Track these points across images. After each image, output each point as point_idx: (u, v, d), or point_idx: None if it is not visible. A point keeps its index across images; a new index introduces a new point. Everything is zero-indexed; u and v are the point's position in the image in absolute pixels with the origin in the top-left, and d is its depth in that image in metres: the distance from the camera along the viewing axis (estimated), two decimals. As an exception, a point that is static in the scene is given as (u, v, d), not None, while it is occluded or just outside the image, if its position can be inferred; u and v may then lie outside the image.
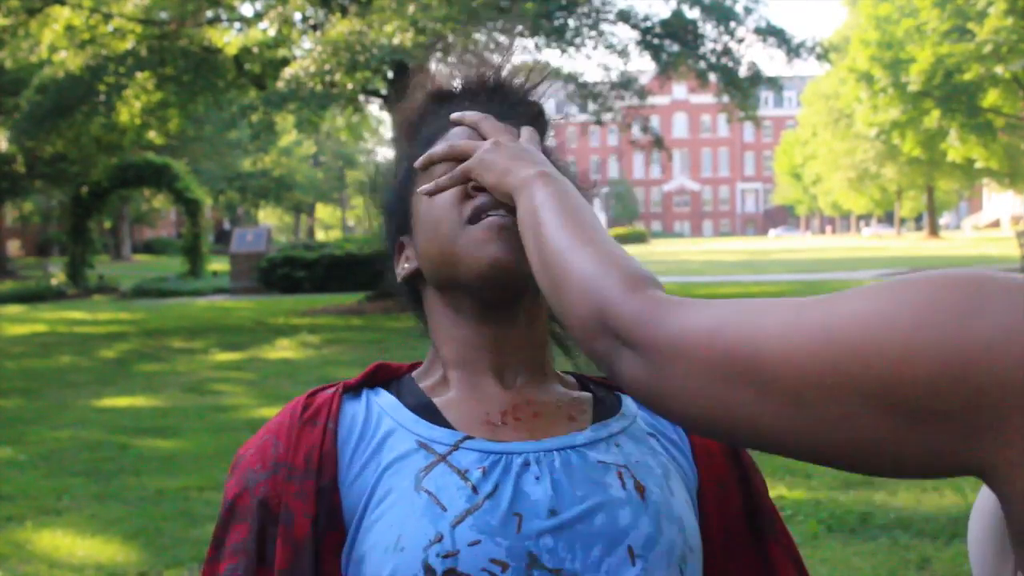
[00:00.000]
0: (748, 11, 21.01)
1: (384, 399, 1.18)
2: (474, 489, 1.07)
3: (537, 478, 1.08)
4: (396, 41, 15.52)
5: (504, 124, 1.21)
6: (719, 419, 0.82)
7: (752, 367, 0.79)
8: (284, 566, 1.07)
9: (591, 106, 21.96)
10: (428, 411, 1.15)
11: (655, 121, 27.99)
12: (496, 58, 1.31)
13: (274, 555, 1.09)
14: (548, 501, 1.07)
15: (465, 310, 1.18)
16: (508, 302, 1.16)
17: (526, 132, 1.21)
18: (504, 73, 1.29)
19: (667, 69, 21.51)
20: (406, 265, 1.25)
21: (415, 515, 1.05)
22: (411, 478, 1.08)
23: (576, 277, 0.97)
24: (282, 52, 20.08)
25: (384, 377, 1.23)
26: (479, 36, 18.16)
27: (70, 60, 20.57)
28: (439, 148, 1.19)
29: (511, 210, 1.11)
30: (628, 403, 1.22)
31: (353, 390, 1.20)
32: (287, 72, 17.00)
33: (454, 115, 1.22)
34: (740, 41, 20.99)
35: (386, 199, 1.32)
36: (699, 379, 0.82)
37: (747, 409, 0.80)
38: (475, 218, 1.14)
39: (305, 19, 19.92)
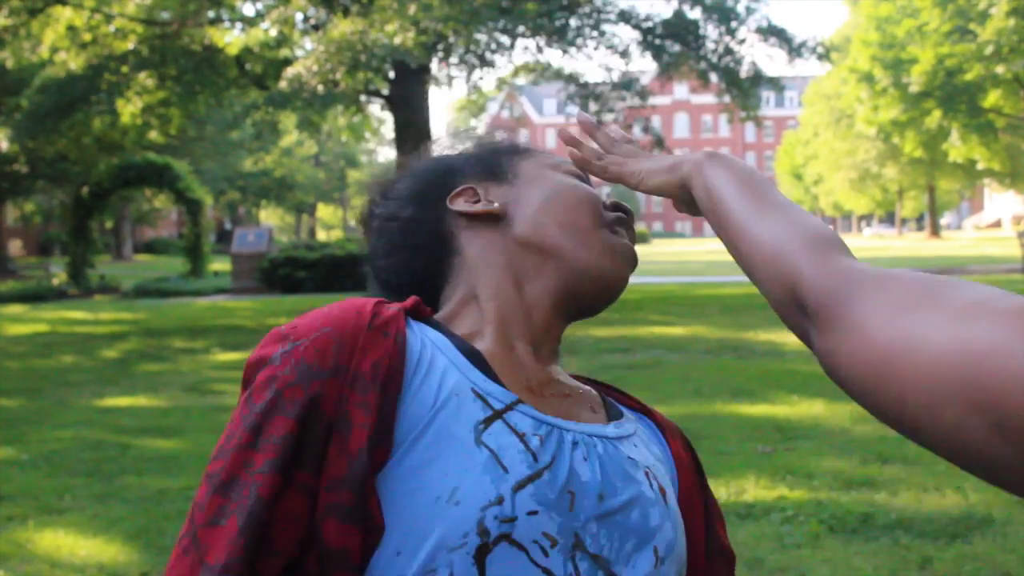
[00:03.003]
0: (749, 11, 20.99)
1: (438, 337, 1.11)
2: (535, 457, 1.03)
3: (585, 459, 1.07)
4: (398, 41, 15.52)
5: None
6: (875, 405, 0.85)
7: (898, 369, 0.81)
8: (338, 476, 0.99)
9: (592, 106, 21.97)
10: (478, 360, 1.10)
11: (656, 121, 27.98)
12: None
13: (312, 460, 0.99)
14: (597, 486, 1.05)
15: (544, 288, 1.18)
16: (589, 313, 1.21)
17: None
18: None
19: (668, 69, 21.51)
20: (479, 205, 1.22)
21: (475, 471, 1.00)
22: (470, 428, 1.02)
23: (767, 248, 1.01)
24: (283, 52, 20.08)
25: (423, 315, 1.16)
26: (480, 36, 18.18)
27: (72, 60, 20.58)
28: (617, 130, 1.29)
29: (633, 241, 1.22)
30: (625, 411, 1.22)
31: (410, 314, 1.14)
32: (289, 71, 17.00)
33: (581, 120, 1.32)
34: (741, 41, 20.98)
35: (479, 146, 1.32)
36: (863, 366, 0.85)
37: (892, 405, 0.83)
38: (611, 225, 1.20)
39: (306, 19, 19.93)
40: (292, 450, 0.99)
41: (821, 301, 0.91)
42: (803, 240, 0.97)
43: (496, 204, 1.20)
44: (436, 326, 1.13)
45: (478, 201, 1.22)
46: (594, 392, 1.21)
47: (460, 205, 1.22)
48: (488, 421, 1.04)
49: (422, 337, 1.09)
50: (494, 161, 1.26)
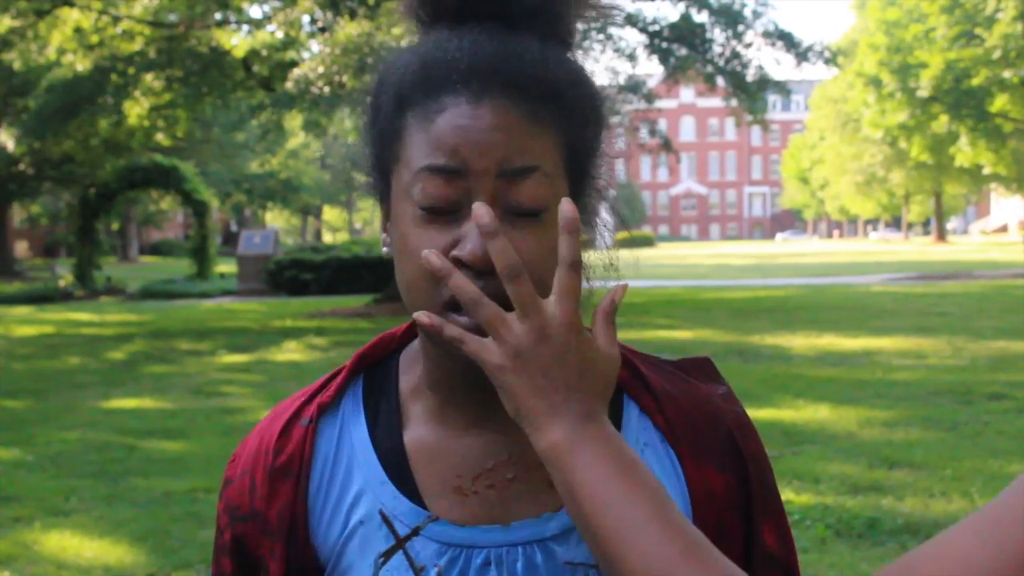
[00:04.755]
0: (756, 15, 21.01)
1: (359, 435, 1.08)
2: None
3: None
4: (404, 43, 15.52)
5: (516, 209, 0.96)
6: None
7: None
8: None
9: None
10: (396, 462, 1.05)
11: (663, 124, 27.92)
12: None
13: None
14: None
15: (440, 356, 1.04)
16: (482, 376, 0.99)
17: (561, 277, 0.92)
18: None
19: (675, 73, 21.52)
20: (387, 249, 1.05)
21: None
22: (371, 563, 1.03)
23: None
24: (290, 54, 20.11)
25: (370, 364, 1.13)
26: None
27: (79, 61, 20.63)
28: (468, 291, 0.91)
29: (499, 302, 0.92)
30: (627, 437, 1.07)
31: (330, 409, 1.11)
32: (295, 73, 17.02)
33: (478, 213, 0.91)
34: (748, 45, 20.99)
35: (372, 134, 1.06)
36: None
37: None
38: (457, 306, 0.94)
39: (313, 21, 19.94)
40: None
41: None
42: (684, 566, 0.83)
43: (387, 250, 1.05)
44: (383, 380, 1.11)
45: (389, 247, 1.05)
46: None
47: (384, 246, 1.07)
48: (388, 554, 1.03)
49: (339, 445, 1.08)
50: (383, 181, 1.05)
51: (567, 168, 1.00)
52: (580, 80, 1.03)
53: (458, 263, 0.93)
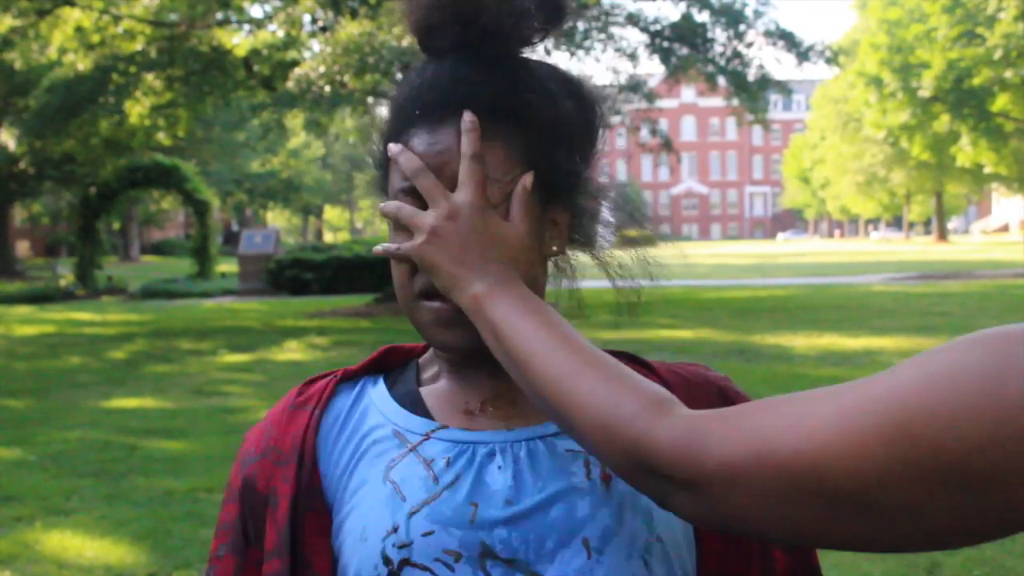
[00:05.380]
0: (757, 14, 21.00)
1: (377, 391, 1.19)
2: (435, 479, 1.08)
3: (500, 468, 1.09)
4: (405, 43, 15.52)
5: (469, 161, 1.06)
6: (792, 534, 0.80)
7: (812, 481, 0.76)
8: (270, 547, 1.12)
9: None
10: (411, 401, 1.16)
11: (664, 124, 27.92)
12: None
13: (259, 537, 1.14)
14: (506, 491, 1.07)
15: None
16: (476, 360, 1.13)
17: (466, 176, 1.06)
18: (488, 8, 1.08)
19: (676, 72, 21.52)
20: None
21: (378, 506, 1.08)
22: (382, 468, 1.11)
23: (589, 413, 0.92)
24: (291, 54, 20.11)
25: (392, 361, 1.24)
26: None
27: (80, 61, 20.63)
28: (388, 206, 1.10)
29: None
30: None
31: (352, 378, 1.22)
32: (296, 72, 17.02)
33: (391, 150, 1.10)
34: (749, 45, 20.98)
35: (376, 169, 1.20)
36: (760, 503, 0.80)
37: (819, 523, 0.77)
38: (425, 295, 1.09)
39: (314, 21, 19.95)
40: (241, 532, 1.16)
41: (678, 455, 0.84)
42: (636, 398, 0.89)
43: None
44: (403, 370, 1.22)
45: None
46: None
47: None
48: (400, 458, 1.11)
49: (359, 397, 1.19)
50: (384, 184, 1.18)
51: (539, 178, 1.10)
52: (542, 98, 1.11)
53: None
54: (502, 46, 1.10)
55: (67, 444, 8.34)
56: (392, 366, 1.24)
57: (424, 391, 1.17)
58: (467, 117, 1.06)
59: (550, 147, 1.10)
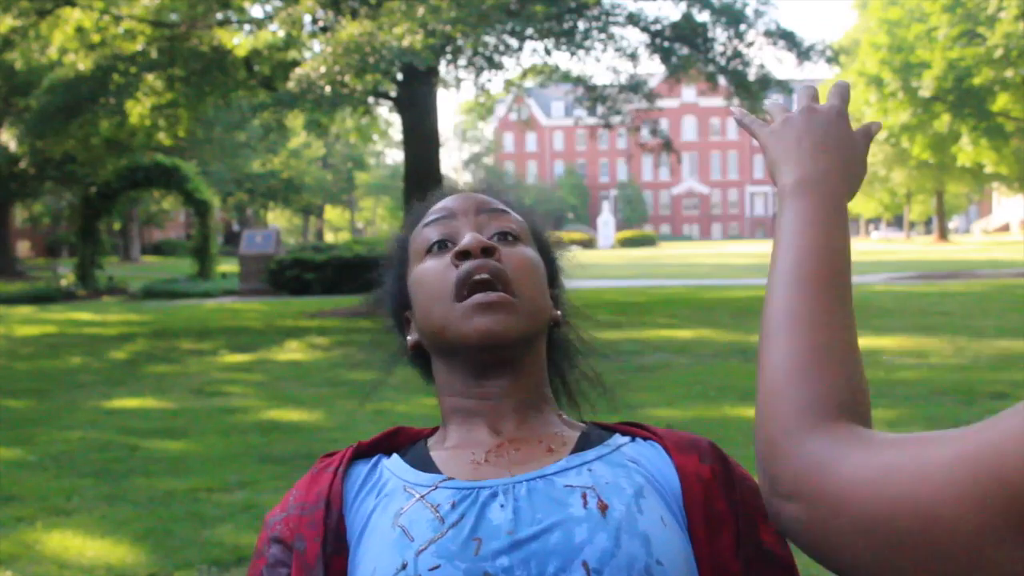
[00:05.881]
0: (758, 14, 20.98)
1: (391, 460, 1.27)
2: (441, 520, 1.13)
3: (502, 506, 1.14)
4: (406, 43, 15.52)
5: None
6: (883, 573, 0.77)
7: (918, 529, 0.73)
8: None
9: (600, 109, 21.97)
10: (422, 461, 1.24)
11: (664, 124, 27.95)
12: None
13: None
14: (507, 524, 1.12)
15: (460, 370, 1.26)
16: (501, 363, 1.24)
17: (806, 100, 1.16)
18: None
19: (676, 72, 21.49)
20: (410, 338, 1.34)
21: (388, 547, 1.13)
22: (391, 516, 1.17)
23: (765, 391, 0.92)
24: (292, 54, 20.11)
25: (403, 441, 1.32)
26: (489, 39, 18.18)
27: (80, 61, 20.63)
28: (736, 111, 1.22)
29: (496, 278, 1.22)
30: (617, 438, 1.26)
31: (366, 452, 1.30)
32: (297, 72, 17.02)
33: (734, 113, 1.23)
34: (750, 44, 20.96)
35: (388, 282, 1.41)
36: (864, 537, 0.77)
37: (918, 566, 0.74)
38: (461, 289, 1.22)
39: (315, 21, 19.95)
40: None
41: (805, 472, 0.84)
42: (803, 400, 0.88)
43: (412, 337, 1.34)
44: (412, 447, 1.30)
45: (412, 331, 1.35)
46: (571, 433, 1.27)
47: (408, 342, 1.36)
48: (408, 506, 1.17)
49: (375, 464, 1.27)
50: (401, 288, 1.37)
51: (538, 247, 1.35)
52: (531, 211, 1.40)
53: (457, 257, 1.24)
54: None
55: (68, 444, 8.34)
56: (401, 447, 1.31)
57: (433, 454, 1.25)
58: (735, 111, 1.22)
59: (549, 250, 1.39)
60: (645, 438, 1.27)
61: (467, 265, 1.22)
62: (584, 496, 1.14)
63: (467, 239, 1.25)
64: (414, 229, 1.34)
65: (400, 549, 1.12)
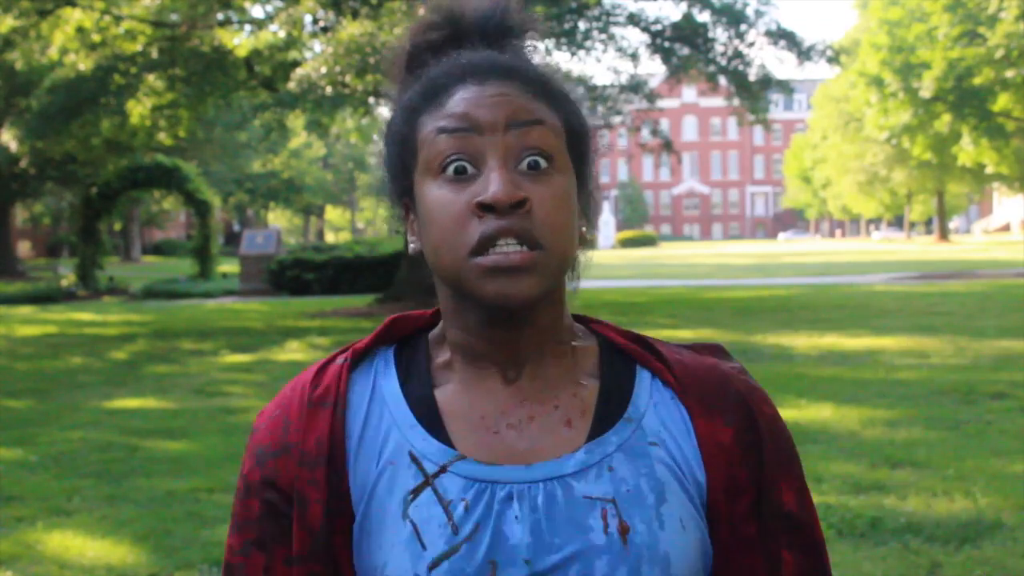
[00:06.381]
0: (759, 14, 20.99)
1: (390, 387, 1.17)
2: (455, 530, 1.07)
3: (517, 517, 1.08)
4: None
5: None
6: None
7: None
8: (302, 552, 1.11)
9: (600, 109, 21.96)
10: (427, 410, 1.14)
11: (665, 124, 27.93)
12: None
13: (284, 535, 1.13)
14: (525, 549, 1.06)
15: (470, 310, 1.12)
16: (518, 316, 1.11)
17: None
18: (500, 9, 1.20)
19: (677, 72, 21.51)
20: (412, 245, 1.18)
21: (399, 547, 1.08)
22: (400, 499, 1.10)
23: None
24: (292, 54, 20.10)
25: (399, 333, 1.22)
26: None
27: (81, 61, 20.63)
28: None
29: (522, 239, 1.05)
30: (639, 396, 1.16)
31: (362, 358, 1.20)
32: (298, 72, 17.02)
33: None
34: (750, 44, 20.97)
35: (388, 159, 1.20)
36: None
37: None
38: (482, 248, 1.06)
39: (315, 21, 19.95)
40: (266, 529, 1.14)
41: None
42: None
43: (414, 246, 1.18)
44: (412, 351, 1.20)
45: (415, 239, 1.18)
46: (589, 389, 1.17)
47: (410, 243, 1.19)
48: (417, 491, 1.10)
49: (371, 393, 1.17)
50: (404, 170, 1.17)
51: (570, 146, 1.14)
52: (562, 77, 1.19)
53: (481, 208, 1.06)
54: (503, 43, 1.18)
55: (68, 444, 8.34)
56: (399, 338, 1.22)
57: (439, 396, 1.15)
58: None
59: (585, 130, 1.18)
60: (664, 381, 1.17)
61: (492, 225, 1.05)
62: (604, 515, 1.08)
63: (494, 189, 1.05)
64: (426, 115, 1.13)
65: (412, 556, 1.07)
